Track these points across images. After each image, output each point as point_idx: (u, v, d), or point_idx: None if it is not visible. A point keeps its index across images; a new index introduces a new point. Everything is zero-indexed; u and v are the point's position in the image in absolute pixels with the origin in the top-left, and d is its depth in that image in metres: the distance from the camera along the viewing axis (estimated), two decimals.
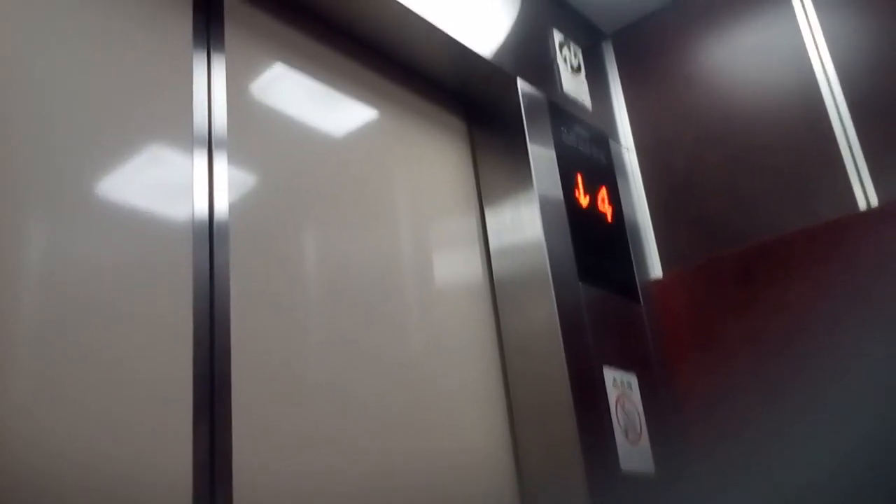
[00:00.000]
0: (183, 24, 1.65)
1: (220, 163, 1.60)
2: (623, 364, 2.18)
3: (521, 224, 2.18)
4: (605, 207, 2.44)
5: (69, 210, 1.33)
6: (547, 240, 2.12)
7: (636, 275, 2.45)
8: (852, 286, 2.12)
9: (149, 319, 1.37)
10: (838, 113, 2.32)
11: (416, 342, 1.92)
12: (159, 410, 1.33)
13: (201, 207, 1.53)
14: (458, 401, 1.96)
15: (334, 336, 1.71)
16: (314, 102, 1.92)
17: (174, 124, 1.55)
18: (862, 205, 2.21)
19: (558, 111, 2.42)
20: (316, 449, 1.57)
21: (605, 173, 2.52)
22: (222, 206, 1.57)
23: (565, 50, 2.61)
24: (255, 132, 1.73)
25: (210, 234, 1.53)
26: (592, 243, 2.30)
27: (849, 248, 2.16)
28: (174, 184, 1.52)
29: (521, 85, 2.30)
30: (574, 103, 2.55)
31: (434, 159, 2.23)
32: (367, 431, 1.68)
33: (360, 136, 2.01)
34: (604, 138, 2.60)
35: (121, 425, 1.27)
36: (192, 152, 1.56)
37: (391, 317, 1.88)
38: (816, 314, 2.16)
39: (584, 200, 2.34)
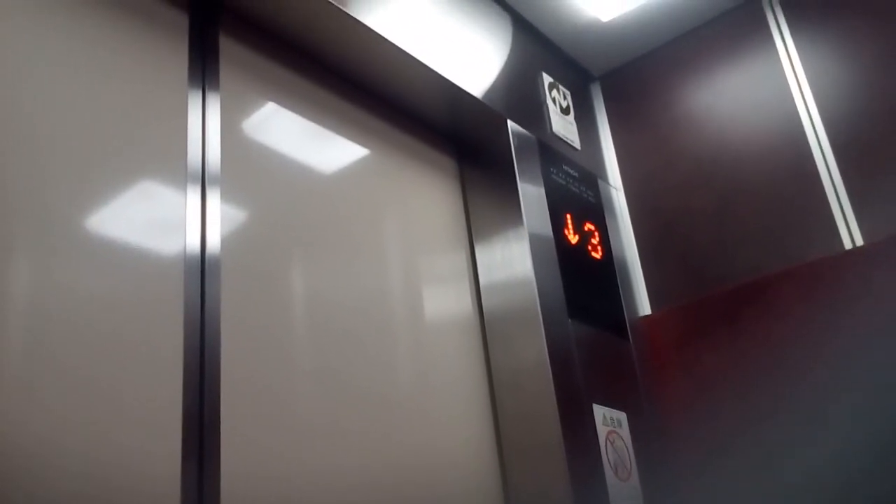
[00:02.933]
0: (179, 62, 1.68)
1: (213, 198, 1.62)
2: (612, 401, 2.18)
3: (511, 261, 2.19)
4: (595, 245, 2.46)
5: (62, 243, 1.34)
6: (537, 277, 2.14)
7: (625, 312, 2.47)
8: (837, 325, 2.14)
9: (139, 352, 1.38)
10: (823, 155, 2.36)
11: (405, 377, 1.92)
12: (148, 445, 1.33)
13: (193, 242, 1.55)
14: (447, 436, 1.95)
15: (324, 371, 1.71)
16: (307, 141, 1.95)
17: (169, 160, 1.58)
18: (847, 244, 2.23)
19: (548, 151, 2.46)
20: (306, 483, 1.56)
21: (593, 212, 2.55)
22: (214, 241, 1.58)
23: (554, 92, 2.66)
24: (248, 169, 1.75)
25: (202, 269, 1.54)
26: (582, 281, 2.32)
27: (834, 287, 2.19)
28: (167, 219, 1.53)
29: (512, 125, 2.34)
30: (563, 143, 2.59)
31: (425, 197, 2.25)
32: (356, 466, 1.68)
33: (352, 174, 2.04)
34: (592, 178, 2.64)
35: (109, 460, 1.27)
36: (185, 188, 1.58)
37: (381, 352, 1.88)
38: (802, 352, 2.18)
39: (573, 238, 2.37)
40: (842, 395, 2.06)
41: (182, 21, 1.73)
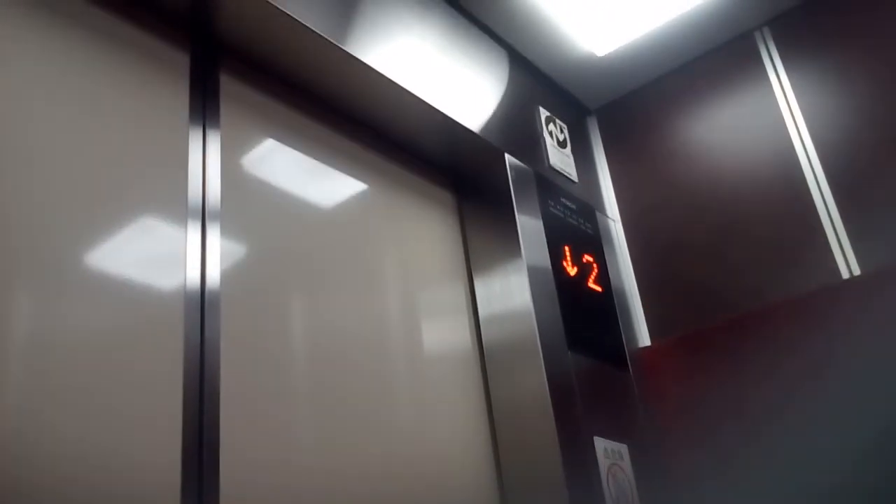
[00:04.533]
0: (180, 101, 1.70)
1: (213, 234, 1.63)
2: (614, 433, 2.17)
3: (511, 293, 2.20)
4: (593, 277, 2.47)
5: (65, 279, 1.35)
6: (536, 309, 2.14)
7: (625, 343, 2.47)
8: (837, 354, 2.13)
9: (139, 387, 1.38)
10: (818, 184, 2.38)
11: (406, 410, 1.92)
12: (148, 483, 1.32)
13: (193, 277, 1.55)
14: (448, 470, 1.94)
15: (324, 405, 1.71)
16: (306, 176, 1.96)
17: (169, 197, 1.59)
18: (845, 274, 2.24)
19: (545, 184, 2.48)
20: None
21: (592, 244, 2.56)
22: (214, 277, 1.59)
23: (551, 125, 2.68)
24: (248, 205, 1.76)
25: (202, 303, 1.54)
26: (581, 312, 2.32)
27: (833, 317, 2.19)
28: (168, 254, 1.54)
29: (509, 159, 2.36)
30: (561, 176, 2.62)
31: (423, 231, 2.27)
32: (357, 499, 1.67)
33: (351, 209, 2.05)
34: (590, 210, 2.66)
35: (111, 491, 1.26)
36: (185, 224, 1.59)
37: (382, 386, 1.88)
38: (802, 382, 2.17)
39: (571, 270, 2.38)
40: (842, 423, 2.06)
41: (183, 60, 1.76)
